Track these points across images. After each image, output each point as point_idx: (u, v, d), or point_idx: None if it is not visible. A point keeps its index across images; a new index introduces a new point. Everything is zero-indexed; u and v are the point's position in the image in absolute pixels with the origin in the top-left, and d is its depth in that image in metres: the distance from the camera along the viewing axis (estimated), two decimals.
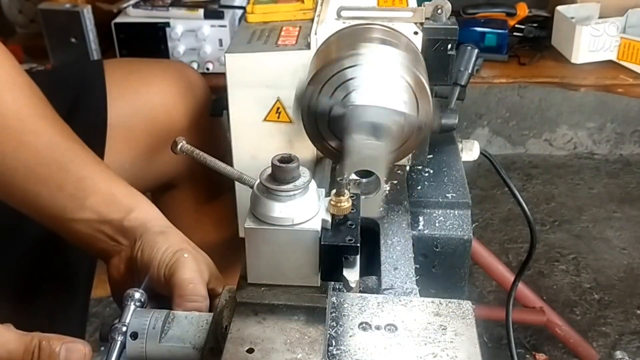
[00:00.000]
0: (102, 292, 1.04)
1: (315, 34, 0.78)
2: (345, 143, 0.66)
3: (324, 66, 0.70)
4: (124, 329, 0.55)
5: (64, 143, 0.75)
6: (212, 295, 0.67)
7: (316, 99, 0.70)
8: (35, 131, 0.74)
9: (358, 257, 0.53)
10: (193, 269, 0.64)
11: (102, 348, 0.58)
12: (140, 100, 1.00)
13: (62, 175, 0.72)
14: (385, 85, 0.68)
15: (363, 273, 0.63)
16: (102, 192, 0.72)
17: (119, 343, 0.55)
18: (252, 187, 0.53)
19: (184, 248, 0.67)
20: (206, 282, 0.65)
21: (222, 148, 0.99)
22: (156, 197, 1.10)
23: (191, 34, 1.42)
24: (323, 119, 0.72)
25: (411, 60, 0.70)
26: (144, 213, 0.72)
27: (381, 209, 0.76)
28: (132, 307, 0.57)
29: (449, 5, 0.76)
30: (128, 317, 0.56)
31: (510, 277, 1.42)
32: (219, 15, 1.42)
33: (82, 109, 0.95)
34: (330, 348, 0.52)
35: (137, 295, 0.58)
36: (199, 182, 1.07)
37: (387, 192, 0.79)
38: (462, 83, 0.86)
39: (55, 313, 0.92)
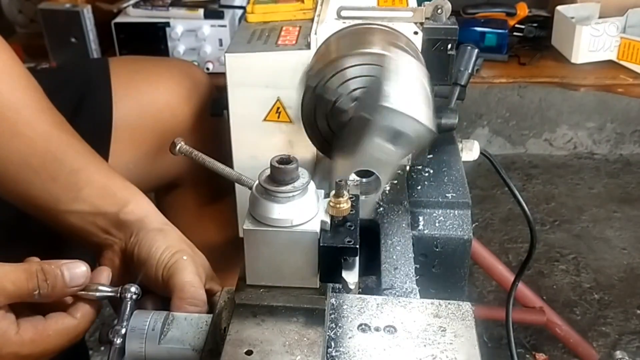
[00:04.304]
0: None
1: (315, 33, 0.78)
2: (354, 139, 0.64)
3: (344, 56, 0.69)
4: (123, 330, 0.55)
5: (59, 135, 0.75)
6: (209, 295, 0.67)
7: (324, 85, 0.70)
8: (31, 122, 0.73)
9: (357, 258, 0.53)
10: (193, 272, 0.64)
11: (103, 348, 0.58)
12: (146, 100, 0.99)
13: (56, 166, 0.72)
14: (414, 96, 0.66)
15: (363, 273, 0.63)
16: (97, 184, 0.72)
17: (118, 345, 0.55)
18: (250, 188, 0.53)
19: (183, 249, 0.67)
20: (204, 285, 0.65)
21: (227, 148, 0.99)
22: (159, 197, 1.10)
23: (191, 33, 1.42)
24: (325, 106, 0.71)
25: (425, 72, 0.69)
26: (140, 207, 0.71)
27: (380, 209, 0.76)
28: (130, 302, 0.57)
29: (449, 5, 0.76)
30: (127, 315, 0.56)
31: (510, 277, 1.42)
32: (219, 15, 1.42)
33: (87, 108, 0.95)
34: (329, 350, 0.52)
35: (133, 289, 0.58)
36: (202, 182, 1.06)
37: (386, 192, 0.79)
38: (462, 83, 0.86)
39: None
